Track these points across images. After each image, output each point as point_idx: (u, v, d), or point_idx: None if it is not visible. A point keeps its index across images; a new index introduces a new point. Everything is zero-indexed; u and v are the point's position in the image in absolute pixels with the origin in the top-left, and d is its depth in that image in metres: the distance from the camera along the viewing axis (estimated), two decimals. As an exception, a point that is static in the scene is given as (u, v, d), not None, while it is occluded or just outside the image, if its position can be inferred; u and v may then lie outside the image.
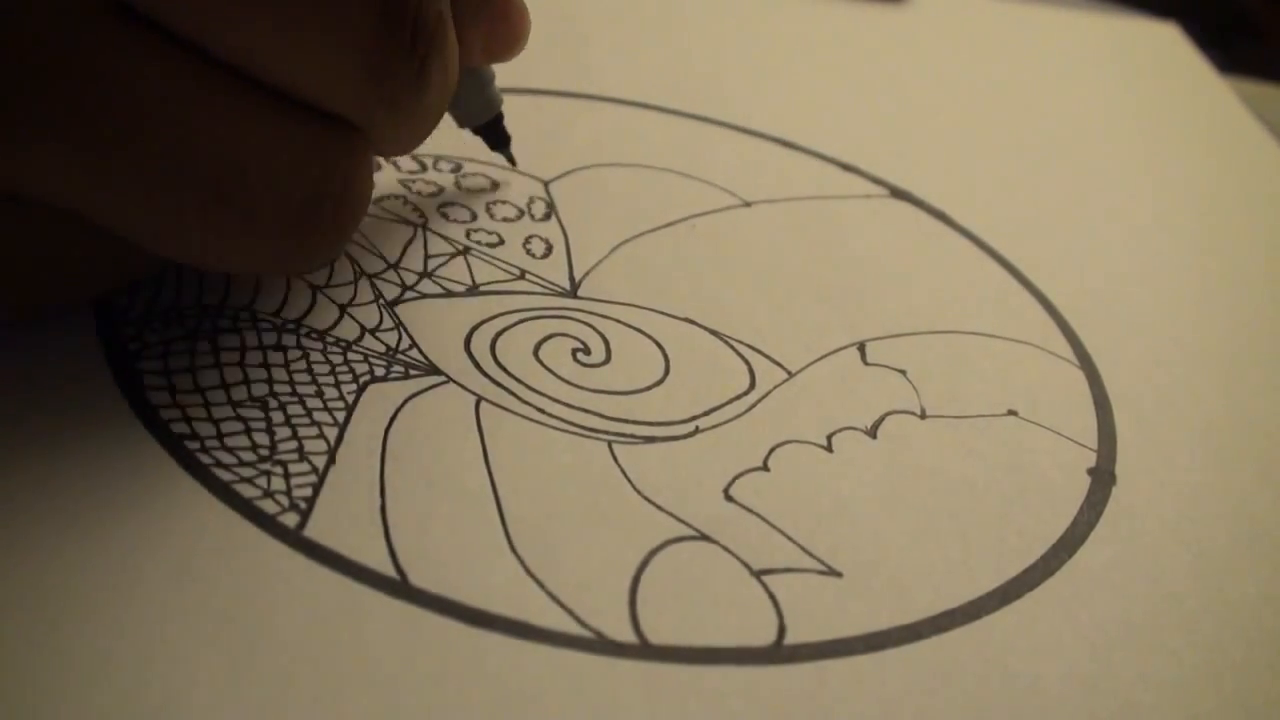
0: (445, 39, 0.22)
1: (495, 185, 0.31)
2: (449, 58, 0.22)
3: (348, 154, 0.21)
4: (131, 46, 0.18)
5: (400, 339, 0.26)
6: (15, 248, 0.20)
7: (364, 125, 0.21)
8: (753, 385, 0.27)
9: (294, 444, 0.23)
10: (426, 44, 0.21)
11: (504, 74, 0.29)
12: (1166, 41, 0.50)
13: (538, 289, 0.28)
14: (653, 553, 0.22)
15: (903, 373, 0.28)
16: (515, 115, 0.30)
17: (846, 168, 0.36)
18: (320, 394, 0.24)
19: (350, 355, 0.25)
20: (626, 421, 0.25)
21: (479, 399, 0.25)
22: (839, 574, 0.23)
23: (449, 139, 0.31)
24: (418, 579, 0.21)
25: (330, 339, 0.25)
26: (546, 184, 0.32)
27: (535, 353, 0.26)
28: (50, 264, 0.21)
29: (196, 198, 0.19)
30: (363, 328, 0.26)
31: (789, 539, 0.23)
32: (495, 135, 0.31)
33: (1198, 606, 0.24)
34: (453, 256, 0.28)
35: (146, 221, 0.20)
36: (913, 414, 0.27)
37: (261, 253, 0.21)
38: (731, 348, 0.28)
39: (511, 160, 0.32)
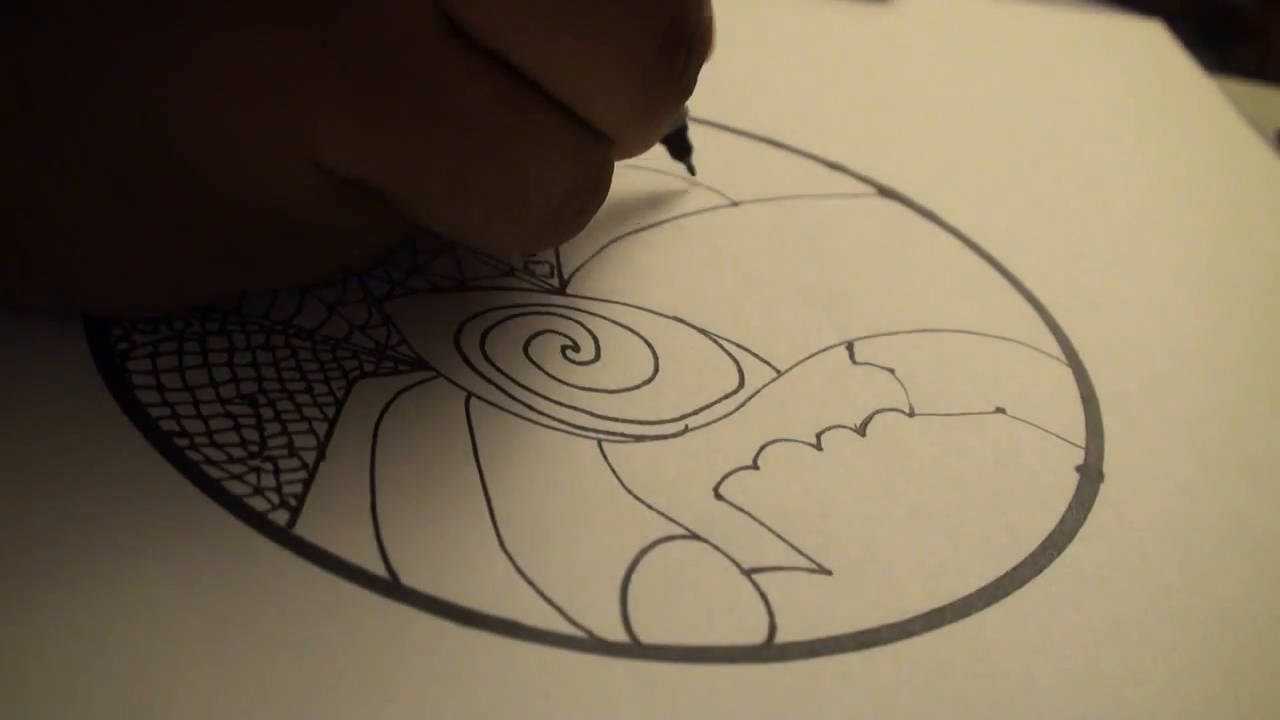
0: (704, 62, 0.24)
1: None
2: None
3: (603, 158, 0.23)
4: (452, 56, 0.20)
5: (389, 335, 0.25)
6: (330, 216, 0.22)
7: (622, 138, 0.23)
8: (742, 384, 0.27)
9: (284, 440, 0.23)
10: (696, 67, 0.23)
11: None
12: (1152, 39, 0.50)
13: (526, 286, 0.28)
14: (643, 551, 0.22)
15: (891, 371, 0.28)
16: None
17: (834, 166, 0.36)
18: (310, 390, 0.24)
19: (339, 352, 0.25)
20: (616, 420, 0.25)
21: (469, 394, 0.25)
22: (829, 572, 0.23)
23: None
24: (408, 578, 0.21)
25: (319, 337, 0.25)
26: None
27: (525, 349, 0.26)
28: (350, 236, 0.24)
29: (476, 191, 0.21)
30: (351, 325, 0.26)
31: (779, 537, 0.23)
32: (680, 145, 0.32)
33: (1186, 602, 0.24)
34: (441, 253, 0.28)
35: (439, 205, 0.22)
36: (901, 412, 0.27)
37: (513, 238, 0.23)
38: (720, 346, 0.28)
39: (692, 170, 0.33)
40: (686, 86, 0.23)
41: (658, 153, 0.32)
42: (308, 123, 0.20)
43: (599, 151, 0.23)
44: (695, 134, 0.36)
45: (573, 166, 0.22)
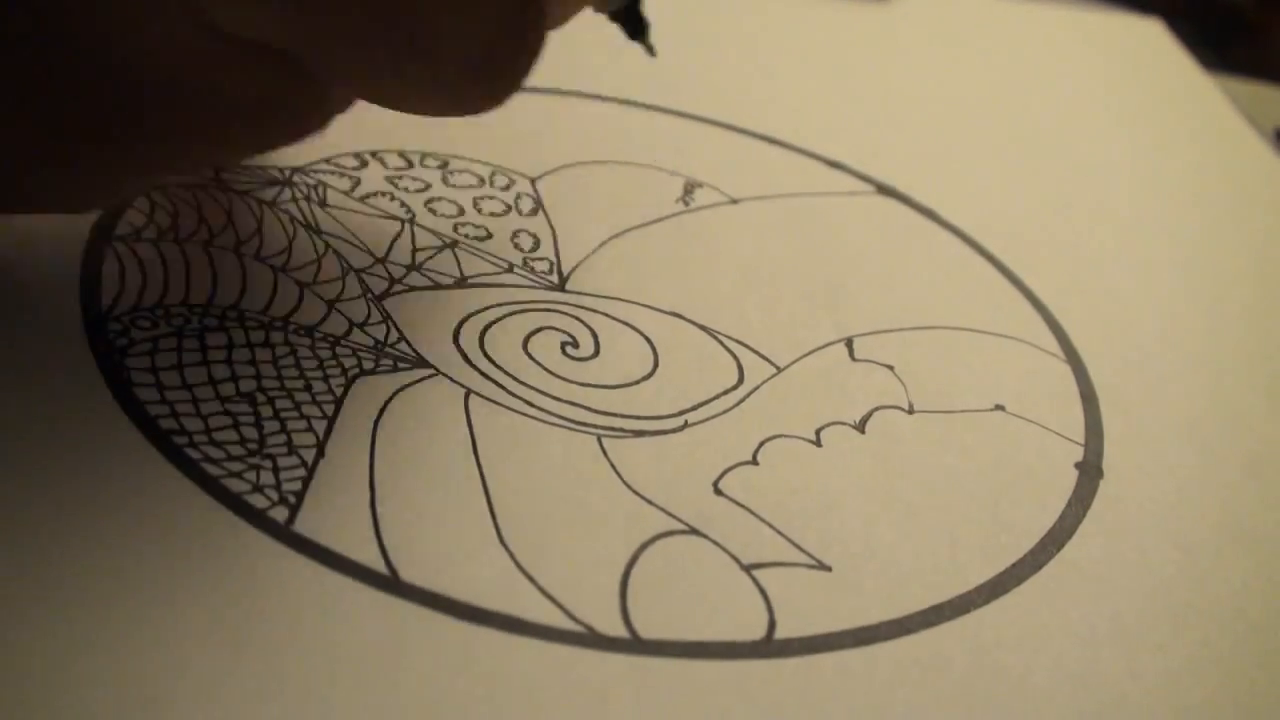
0: None
1: (482, 181, 0.31)
2: None
3: (525, 5, 0.22)
4: None
5: (389, 332, 0.25)
6: (230, 84, 0.21)
7: None
8: (741, 380, 0.27)
9: (283, 437, 0.23)
10: None
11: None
12: (1151, 37, 0.50)
13: (526, 282, 0.28)
14: (643, 547, 0.22)
15: (890, 368, 0.28)
16: (503, 112, 0.30)
17: (833, 165, 0.36)
18: (309, 388, 0.24)
19: (338, 349, 0.25)
20: (616, 415, 0.25)
21: (468, 391, 0.25)
22: (828, 568, 0.23)
23: (436, 136, 0.31)
24: (407, 574, 0.21)
25: (318, 334, 0.25)
26: (533, 180, 0.32)
27: (524, 346, 0.26)
28: (256, 104, 0.22)
29: (387, 35, 0.20)
30: (350, 322, 0.26)
31: (778, 533, 0.23)
32: (633, 20, 0.30)
33: (1185, 599, 0.24)
34: (440, 249, 0.28)
35: (344, 58, 0.21)
36: (901, 409, 0.27)
37: (436, 93, 0.22)
38: (720, 343, 0.28)
39: (651, 50, 0.30)
40: None
41: (656, 152, 0.32)
42: None
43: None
44: (696, 130, 0.36)
45: (488, 10, 0.21)
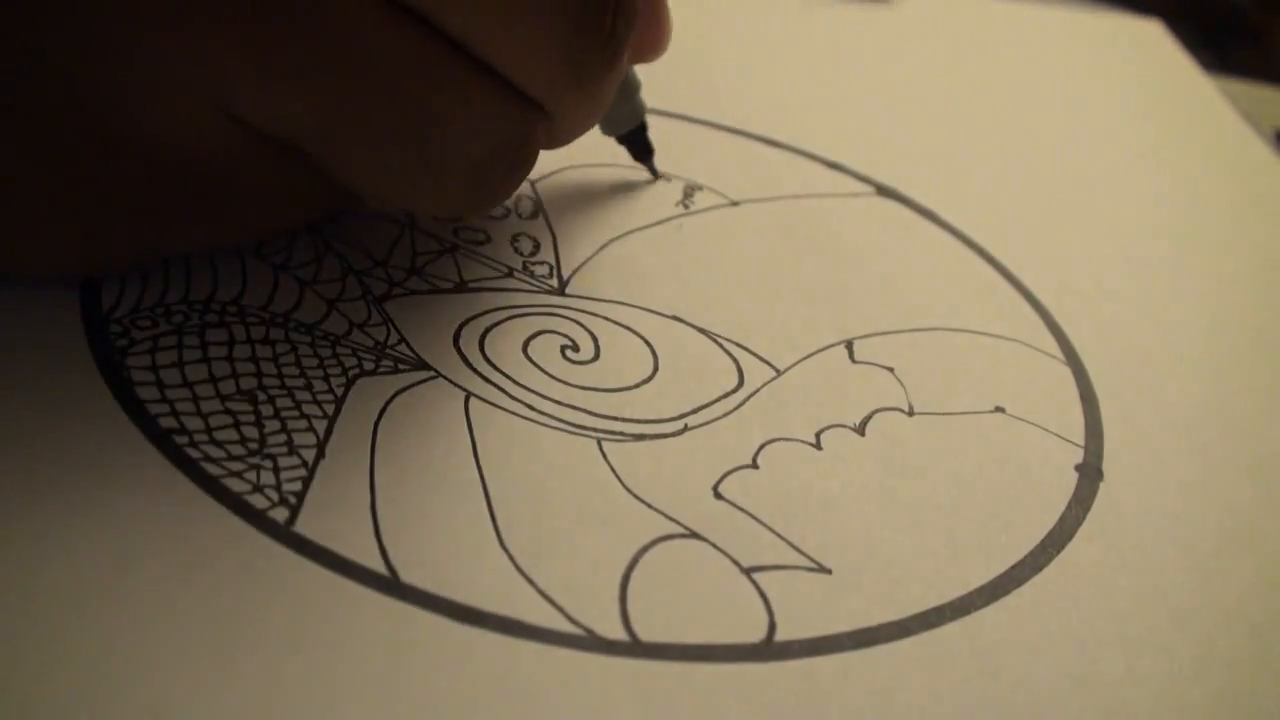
0: (635, 28, 0.24)
1: None
2: (628, 53, 0.24)
3: (530, 128, 0.24)
4: (369, 9, 0.21)
5: (389, 334, 0.25)
6: (244, 174, 0.23)
7: (549, 103, 0.23)
8: (741, 383, 0.27)
9: (283, 437, 0.23)
10: (625, 31, 0.23)
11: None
12: (1151, 38, 0.50)
13: (526, 286, 0.28)
14: (643, 550, 0.22)
15: (890, 370, 0.28)
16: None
17: (833, 166, 0.36)
18: (309, 387, 0.24)
19: (339, 349, 0.25)
20: (616, 419, 0.25)
21: (468, 394, 0.25)
22: (828, 571, 0.23)
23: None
24: (408, 575, 0.21)
25: (319, 332, 0.25)
26: (533, 183, 0.32)
27: (524, 349, 0.26)
28: (266, 193, 0.24)
29: (393, 142, 0.22)
30: (351, 322, 0.26)
31: (778, 536, 0.23)
32: (639, 145, 0.32)
33: (1185, 601, 0.24)
34: (440, 254, 0.28)
35: (354, 159, 0.22)
36: (901, 411, 0.27)
37: (437, 196, 0.23)
38: (720, 346, 0.28)
39: (654, 173, 0.33)
40: (615, 51, 0.23)
41: (656, 154, 0.32)
42: (214, 64, 0.20)
43: (527, 116, 0.23)
44: (695, 132, 0.36)
45: (496, 125, 0.23)
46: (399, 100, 0.21)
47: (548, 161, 0.32)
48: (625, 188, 0.32)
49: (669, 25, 0.29)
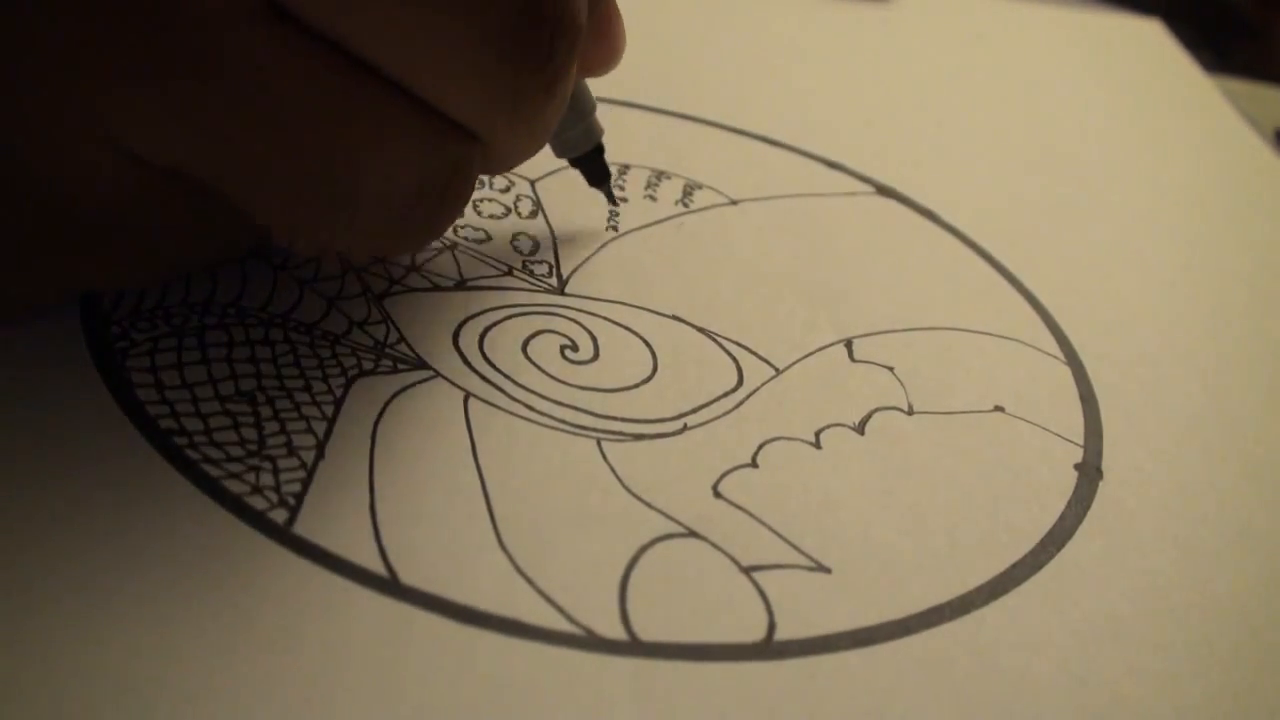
0: (577, 50, 0.21)
1: (481, 183, 0.31)
2: (574, 70, 0.22)
3: (460, 158, 0.21)
4: (272, 39, 0.19)
5: (389, 332, 0.25)
6: (143, 209, 0.21)
7: (483, 131, 0.21)
8: (740, 382, 0.27)
9: (282, 438, 0.23)
10: (565, 54, 0.21)
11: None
12: (1151, 38, 0.50)
13: (525, 285, 0.28)
14: (642, 549, 0.22)
15: (890, 369, 0.28)
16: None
17: (833, 165, 0.36)
18: (308, 388, 0.24)
19: (338, 349, 0.25)
20: (615, 419, 0.25)
21: (467, 394, 0.25)
22: (828, 570, 0.23)
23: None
24: (407, 576, 0.21)
25: (318, 332, 0.25)
26: (533, 183, 0.32)
27: (524, 349, 0.26)
28: (170, 228, 0.22)
29: (308, 180, 0.20)
30: (350, 321, 0.26)
31: (778, 535, 0.23)
32: (594, 169, 0.30)
33: (1184, 600, 0.24)
34: (440, 251, 0.28)
35: (261, 196, 0.20)
36: (900, 410, 0.27)
37: (357, 237, 0.21)
38: (719, 345, 0.28)
39: (611, 199, 0.31)
40: (555, 75, 0.21)
41: (656, 153, 0.32)
42: (99, 98, 0.19)
43: (458, 148, 0.21)
44: (695, 132, 0.36)
45: (420, 159, 0.21)
46: (306, 136, 0.19)
47: (547, 162, 0.32)
48: (625, 186, 0.32)
49: (621, 39, 0.26)
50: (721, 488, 0.24)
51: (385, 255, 0.25)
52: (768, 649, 0.21)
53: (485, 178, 0.31)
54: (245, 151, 0.20)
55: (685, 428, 0.25)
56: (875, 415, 0.27)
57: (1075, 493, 0.26)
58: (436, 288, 0.27)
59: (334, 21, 0.19)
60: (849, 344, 0.28)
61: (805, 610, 0.22)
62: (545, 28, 0.20)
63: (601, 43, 0.26)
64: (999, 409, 0.28)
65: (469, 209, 0.30)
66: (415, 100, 0.20)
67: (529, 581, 0.21)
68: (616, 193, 0.32)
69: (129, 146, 0.20)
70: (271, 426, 0.23)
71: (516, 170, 0.31)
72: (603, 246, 0.30)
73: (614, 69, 0.27)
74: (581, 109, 0.28)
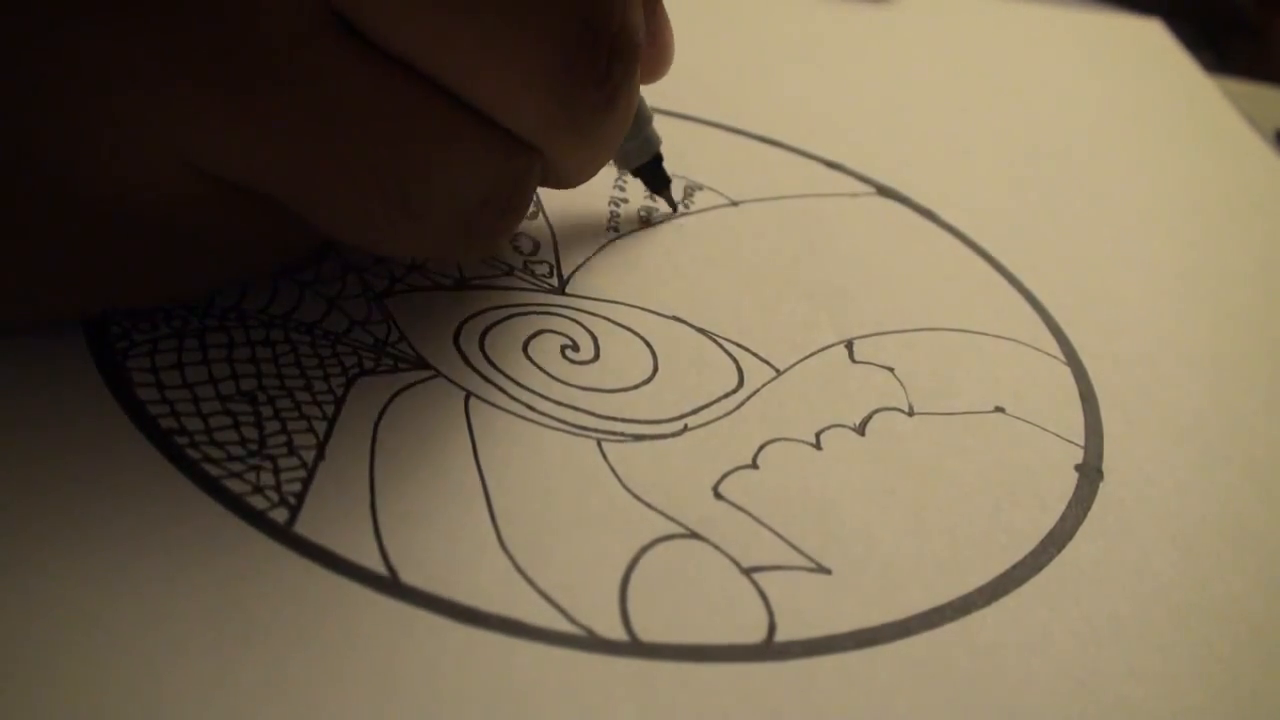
0: (636, 69, 0.22)
1: None
2: (636, 86, 0.23)
3: (522, 170, 0.22)
4: (339, 54, 0.20)
5: (389, 331, 0.25)
6: (215, 226, 0.22)
7: (544, 146, 0.22)
8: (741, 383, 0.27)
9: (283, 438, 0.23)
10: (622, 73, 0.21)
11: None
12: (1151, 38, 0.50)
13: (526, 285, 0.28)
14: (643, 550, 0.22)
15: (890, 370, 0.28)
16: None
17: (833, 166, 0.36)
18: (309, 387, 0.24)
19: (339, 348, 0.25)
20: (616, 419, 0.25)
21: (468, 394, 0.25)
22: (828, 571, 0.23)
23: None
24: (408, 576, 0.21)
25: (318, 331, 0.25)
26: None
27: (524, 349, 0.26)
28: (240, 243, 0.23)
29: (376, 191, 0.21)
30: (351, 320, 0.26)
31: (778, 536, 0.23)
32: (655, 177, 0.31)
33: (1185, 601, 0.24)
34: (440, 253, 0.28)
35: (328, 209, 0.21)
36: (901, 411, 0.27)
37: (422, 244, 0.22)
38: (720, 346, 0.28)
39: (673, 205, 0.32)
40: (614, 93, 0.22)
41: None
42: (171, 115, 0.19)
43: (520, 160, 0.22)
44: (695, 132, 0.36)
45: (485, 171, 0.21)
46: (376, 148, 0.20)
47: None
48: (626, 187, 0.32)
49: (671, 47, 0.28)
50: (722, 489, 0.24)
51: (445, 260, 0.26)
52: (768, 650, 0.21)
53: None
54: (315, 165, 0.20)
55: (686, 428, 0.25)
56: (876, 416, 0.27)
57: (1076, 494, 0.26)
58: (437, 287, 0.27)
59: (400, 37, 0.20)
60: (849, 345, 0.28)
61: (806, 611, 0.22)
62: (603, 45, 0.21)
63: (655, 53, 0.27)
64: (999, 410, 0.28)
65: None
66: (478, 114, 0.21)
67: (529, 582, 0.21)
68: (616, 194, 0.32)
69: (203, 164, 0.20)
70: (272, 426, 0.23)
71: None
72: (603, 247, 0.30)
73: (663, 77, 0.28)
74: (640, 121, 0.29)
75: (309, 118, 0.20)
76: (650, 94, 0.31)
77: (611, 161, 0.30)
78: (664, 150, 0.30)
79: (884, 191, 0.35)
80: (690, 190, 0.33)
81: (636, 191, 0.32)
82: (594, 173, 0.25)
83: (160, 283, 0.23)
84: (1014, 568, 0.24)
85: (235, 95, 0.19)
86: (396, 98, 0.20)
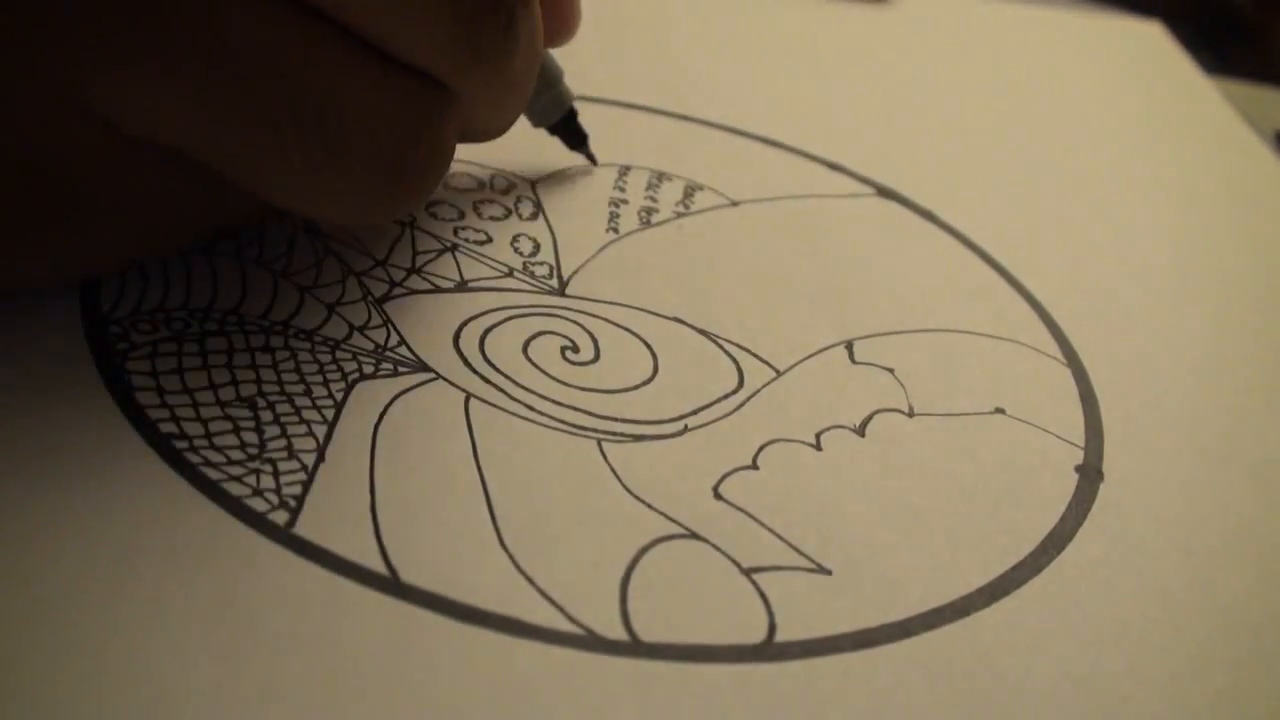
0: (531, 4, 0.23)
1: (482, 185, 0.31)
2: (535, 21, 0.23)
3: (437, 110, 0.22)
4: (252, 7, 0.20)
5: (389, 336, 0.26)
6: (129, 186, 0.22)
7: (454, 83, 0.22)
8: (741, 384, 0.27)
9: (283, 442, 0.23)
10: (516, 2, 0.22)
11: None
12: (1151, 39, 0.50)
13: (526, 287, 0.28)
14: (643, 550, 0.22)
15: (890, 371, 0.28)
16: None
17: (833, 167, 0.36)
18: (309, 392, 0.24)
19: (339, 354, 0.25)
20: (616, 420, 0.25)
21: (468, 395, 0.25)
22: (828, 572, 0.23)
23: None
24: (408, 576, 0.21)
25: (318, 338, 0.25)
26: (533, 184, 0.32)
27: (524, 350, 0.26)
28: (157, 205, 0.23)
29: (291, 133, 0.20)
30: (351, 325, 0.26)
31: (778, 537, 0.23)
32: (571, 133, 0.32)
33: (1185, 602, 0.24)
34: (440, 253, 0.28)
35: (243, 156, 0.21)
36: (901, 412, 0.27)
37: (346, 196, 0.22)
38: (720, 347, 0.28)
39: (592, 159, 0.33)
40: (509, 21, 0.22)
41: (656, 155, 0.32)
42: (66, 65, 0.19)
43: (433, 98, 0.22)
44: (695, 132, 0.36)
45: (399, 108, 0.22)
46: (282, 88, 0.20)
47: (547, 163, 0.32)
48: (626, 187, 0.32)
49: (578, 7, 0.28)
50: (722, 489, 0.24)
51: (375, 219, 0.25)
52: (768, 650, 0.21)
53: (486, 179, 0.31)
54: (222, 113, 0.20)
55: (686, 429, 0.25)
56: (876, 417, 0.27)
57: (1076, 494, 0.26)
58: (437, 289, 0.27)
59: None
60: (850, 345, 0.28)
61: (806, 612, 0.22)
62: None
63: (557, 11, 0.27)
64: (999, 411, 0.28)
65: (470, 210, 0.30)
66: (385, 55, 0.21)
67: (530, 581, 0.21)
68: (617, 194, 0.32)
69: (104, 113, 0.20)
70: (272, 430, 0.23)
71: (516, 171, 0.32)
72: (603, 248, 0.30)
73: (571, 38, 0.28)
74: (548, 78, 0.30)
75: (210, 63, 0.19)
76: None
77: (528, 119, 0.30)
78: (665, 151, 0.31)
79: (884, 192, 0.35)
80: (691, 190, 0.33)
81: (637, 191, 0.32)
82: (509, 121, 0.26)
83: (103, 250, 0.23)
84: (1014, 568, 0.24)
85: (129, 40, 0.19)
86: (298, 36, 0.20)
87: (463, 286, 0.27)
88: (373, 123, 0.21)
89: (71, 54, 0.19)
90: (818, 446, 0.25)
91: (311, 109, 0.20)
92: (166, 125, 0.20)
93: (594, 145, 0.32)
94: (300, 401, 0.24)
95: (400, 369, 0.25)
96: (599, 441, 0.24)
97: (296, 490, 0.22)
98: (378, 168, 0.22)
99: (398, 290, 0.27)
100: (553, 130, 0.31)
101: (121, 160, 0.21)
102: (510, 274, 0.28)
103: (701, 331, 0.28)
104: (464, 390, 0.25)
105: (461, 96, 0.23)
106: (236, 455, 0.22)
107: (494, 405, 0.25)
